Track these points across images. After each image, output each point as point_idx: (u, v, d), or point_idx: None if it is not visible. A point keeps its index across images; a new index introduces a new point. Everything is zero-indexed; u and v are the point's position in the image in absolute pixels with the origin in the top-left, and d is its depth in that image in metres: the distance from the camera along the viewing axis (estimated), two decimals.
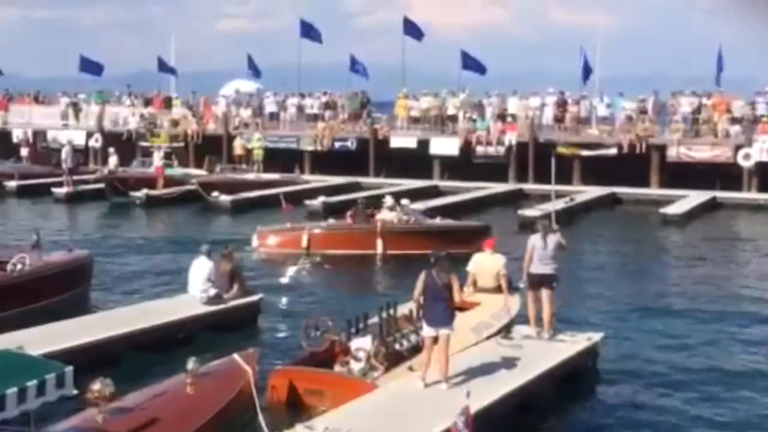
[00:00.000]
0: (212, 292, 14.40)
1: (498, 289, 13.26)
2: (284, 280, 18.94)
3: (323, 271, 20.61)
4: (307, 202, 29.26)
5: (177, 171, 34.59)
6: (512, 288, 13.28)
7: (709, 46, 37.90)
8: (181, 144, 39.02)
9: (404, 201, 22.92)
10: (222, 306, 14.43)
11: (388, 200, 22.42)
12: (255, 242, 22.06)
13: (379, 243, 21.03)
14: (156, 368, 11.66)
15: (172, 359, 11.54)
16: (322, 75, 47.17)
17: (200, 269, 14.61)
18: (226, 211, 29.76)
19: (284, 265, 20.42)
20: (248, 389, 10.00)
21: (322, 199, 29.17)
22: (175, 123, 40.88)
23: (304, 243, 21.50)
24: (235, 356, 10.54)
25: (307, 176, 36.58)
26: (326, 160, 37.45)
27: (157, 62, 45.06)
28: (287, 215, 23.39)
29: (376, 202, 22.97)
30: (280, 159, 37.34)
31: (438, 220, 22.76)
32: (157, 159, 33.18)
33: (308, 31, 43.38)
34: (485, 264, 13.59)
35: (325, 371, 11.12)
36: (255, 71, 45.13)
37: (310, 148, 38.10)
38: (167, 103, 42.62)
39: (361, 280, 19.76)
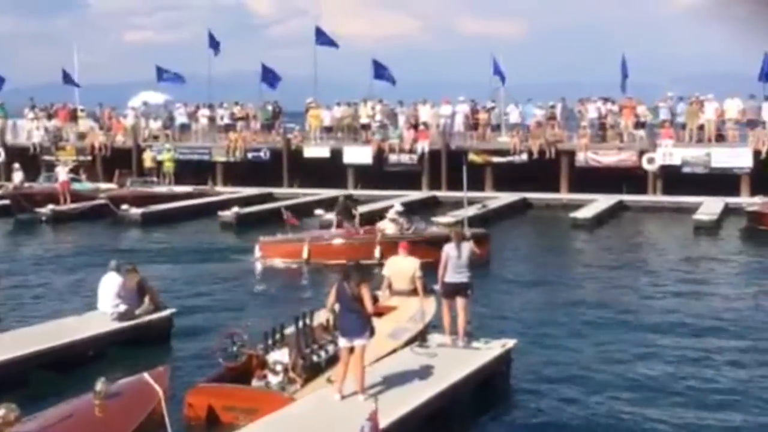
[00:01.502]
0: (122, 307, 14.13)
1: (414, 292, 13.44)
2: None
3: (256, 276, 20.48)
4: (220, 213, 28.97)
5: (85, 185, 33.85)
6: (428, 290, 13.36)
7: (614, 54, 38.88)
8: (89, 157, 38.25)
9: (398, 207, 22.93)
10: (132, 322, 14.15)
11: (393, 210, 22.48)
12: (257, 253, 22.05)
13: (378, 252, 20.81)
14: (65, 388, 11.31)
15: (82, 378, 11.23)
16: (234, 85, 46.73)
17: (109, 285, 14.32)
18: (136, 224, 29.24)
19: (284, 276, 20.63)
20: (159, 410, 9.76)
21: (235, 210, 28.94)
22: (81, 136, 40.05)
23: (305, 254, 21.49)
24: (145, 375, 10.29)
25: (219, 188, 36.24)
26: (239, 171, 37.15)
27: (62, 74, 43.98)
28: (291, 227, 23.03)
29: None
30: (192, 171, 36.95)
31: (436, 229, 22.90)
32: (63, 173, 32.34)
33: (216, 41, 42.88)
34: (400, 267, 13.76)
35: (242, 387, 10.98)
36: (178, 78, 44.01)
37: (223, 159, 37.80)
38: (73, 116, 41.64)
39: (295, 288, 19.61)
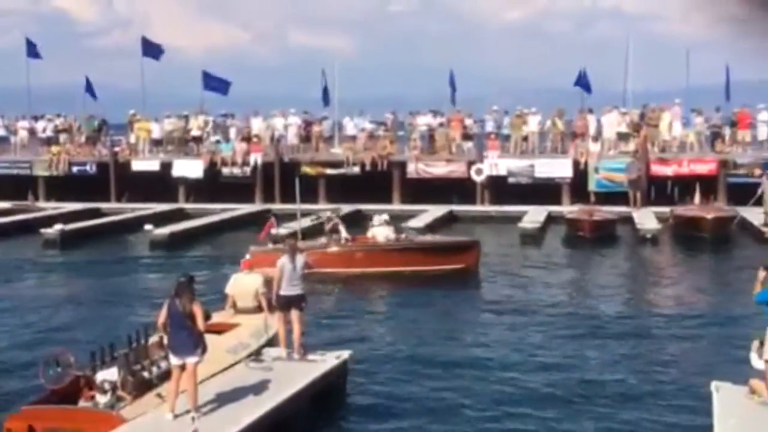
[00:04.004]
0: None
1: (258, 309, 13.33)
2: None
3: (82, 296, 19.67)
4: (43, 230, 27.70)
5: None
6: (272, 306, 13.26)
7: (441, 68, 40.00)
8: None
9: (385, 217, 22.79)
10: None
11: (380, 218, 22.51)
12: None
13: (371, 261, 21.19)
14: None
15: None
16: (56, 97, 44.85)
17: None
18: None
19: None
20: None
21: (59, 227, 27.75)
22: None
23: None
24: None
25: (42, 203, 34.73)
26: (63, 186, 35.69)
27: None
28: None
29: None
30: (11, 185, 35.23)
31: (428, 237, 23.27)
32: None
33: (35, 50, 41.04)
34: (243, 284, 13.59)
35: (66, 407, 10.49)
36: None
37: (45, 173, 36.22)
38: None
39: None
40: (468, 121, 35.79)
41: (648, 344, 15.27)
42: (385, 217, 23.03)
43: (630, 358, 14.25)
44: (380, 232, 22.04)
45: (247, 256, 21.63)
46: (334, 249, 21.94)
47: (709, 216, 26.75)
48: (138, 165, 35.90)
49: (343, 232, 22.08)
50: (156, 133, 37.17)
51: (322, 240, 22.49)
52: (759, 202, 28.38)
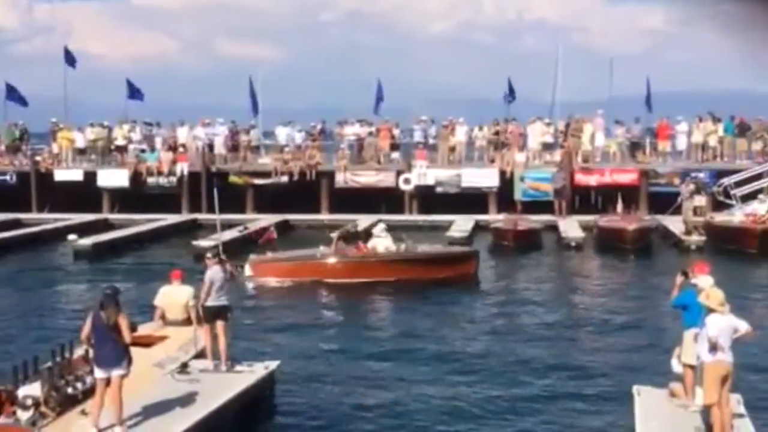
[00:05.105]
0: None
1: (188, 321, 13.15)
2: None
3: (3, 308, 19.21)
4: None
5: None
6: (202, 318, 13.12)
7: (371, 79, 40.11)
8: None
9: (381, 226, 22.83)
10: None
11: (380, 228, 22.56)
12: (247, 272, 21.58)
13: (371, 271, 21.27)
14: None
15: None
16: None
17: None
18: None
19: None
20: None
21: None
22: None
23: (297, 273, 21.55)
24: None
25: None
26: None
27: None
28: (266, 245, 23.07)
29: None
30: None
31: (426, 247, 23.25)
32: None
33: None
34: (173, 296, 13.42)
35: None
36: None
37: None
38: None
39: None
40: (396, 131, 35.97)
41: (570, 349, 15.60)
42: (384, 226, 23.11)
43: (553, 363, 14.48)
44: (380, 242, 22.03)
45: (247, 266, 21.78)
46: (332, 260, 21.90)
47: (631, 227, 27.36)
48: (61, 175, 35.22)
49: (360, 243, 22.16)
50: (79, 143, 36.52)
51: (322, 249, 22.43)
52: (678, 211, 29.12)
